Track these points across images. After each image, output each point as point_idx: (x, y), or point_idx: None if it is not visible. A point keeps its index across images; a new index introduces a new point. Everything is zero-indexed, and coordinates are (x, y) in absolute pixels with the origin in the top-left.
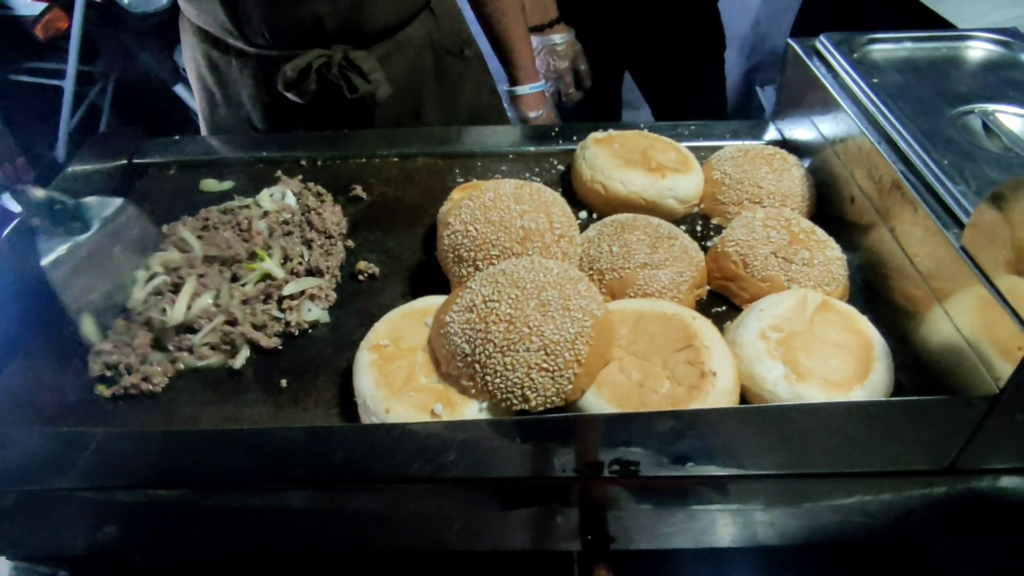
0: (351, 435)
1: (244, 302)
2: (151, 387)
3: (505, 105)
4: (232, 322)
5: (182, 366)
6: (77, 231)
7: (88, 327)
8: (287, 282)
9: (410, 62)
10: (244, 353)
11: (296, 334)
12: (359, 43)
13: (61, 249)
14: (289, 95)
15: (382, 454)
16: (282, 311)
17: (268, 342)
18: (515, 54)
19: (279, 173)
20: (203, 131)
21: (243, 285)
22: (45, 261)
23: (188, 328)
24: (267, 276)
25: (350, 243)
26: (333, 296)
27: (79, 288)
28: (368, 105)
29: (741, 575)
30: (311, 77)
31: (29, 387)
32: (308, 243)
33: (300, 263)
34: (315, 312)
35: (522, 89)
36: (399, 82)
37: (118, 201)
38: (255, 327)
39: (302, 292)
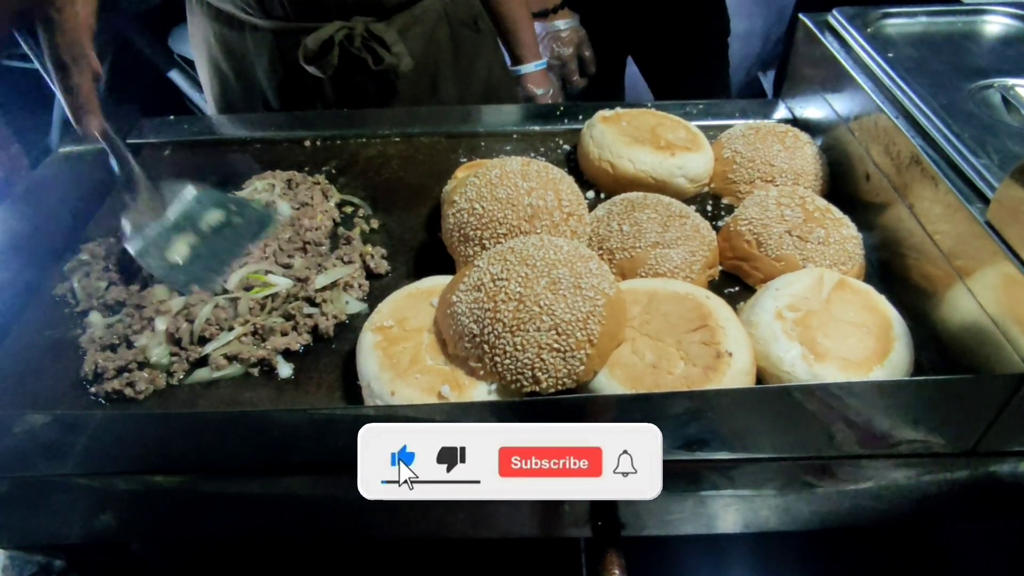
0: (354, 418)
1: (271, 311)
2: (133, 393)
3: None
4: (259, 333)
5: (178, 379)
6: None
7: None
8: (305, 280)
9: (426, 35)
10: (284, 364)
11: (332, 330)
12: (379, 15)
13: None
14: (310, 69)
15: None
16: (315, 305)
17: (299, 341)
18: (518, 32)
19: (253, 180)
20: (214, 113)
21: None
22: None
23: (200, 338)
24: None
25: (373, 222)
26: (366, 284)
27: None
28: (386, 80)
29: (753, 561)
30: (334, 51)
31: (19, 373)
32: (304, 247)
33: (315, 258)
34: (353, 304)
35: (526, 68)
36: (416, 56)
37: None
38: (283, 333)
39: (334, 284)
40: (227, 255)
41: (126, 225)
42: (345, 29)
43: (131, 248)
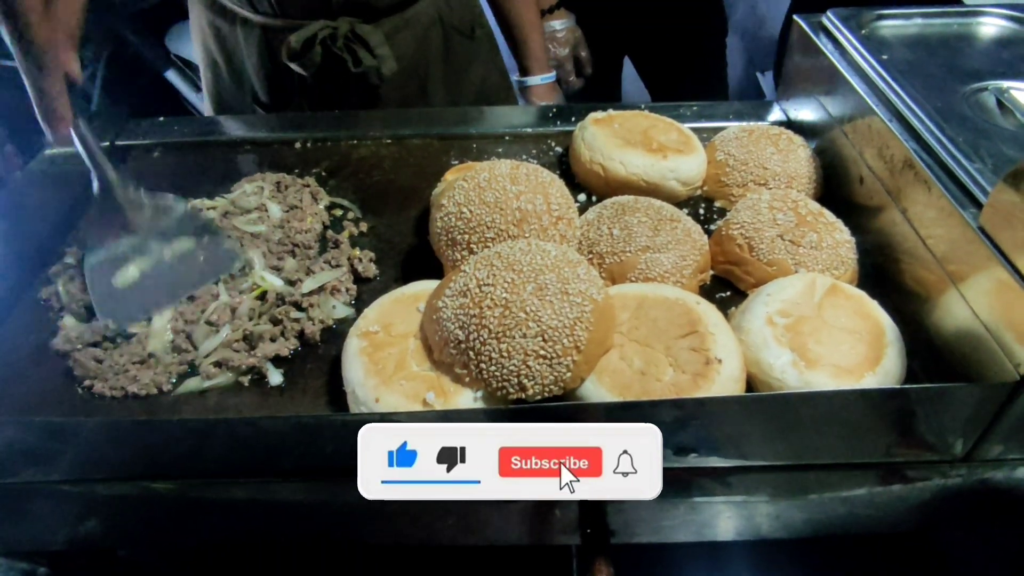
0: (340, 425)
1: (260, 315)
2: (137, 388)
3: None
4: (249, 339)
5: (166, 389)
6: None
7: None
8: (295, 283)
9: (417, 39)
10: (275, 371)
11: (318, 335)
12: (366, 17)
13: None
14: (293, 66)
15: None
16: (302, 309)
17: (288, 347)
18: (527, 43)
19: (242, 182)
20: (207, 104)
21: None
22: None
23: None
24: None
25: (363, 225)
26: (354, 289)
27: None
28: (373, 82)
29: (745, 569)
30: (315, 49)
31: (3, 378)
32: (293, 250)
33: (305, 260)
34: (340, 309)
35: (533, 80)
36: (406, 60)
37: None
38: (272, 339)
39: (321, 288)
40: (169, 293)
41: (90, 236)
42: (329, 28)
43: (86, 262)
